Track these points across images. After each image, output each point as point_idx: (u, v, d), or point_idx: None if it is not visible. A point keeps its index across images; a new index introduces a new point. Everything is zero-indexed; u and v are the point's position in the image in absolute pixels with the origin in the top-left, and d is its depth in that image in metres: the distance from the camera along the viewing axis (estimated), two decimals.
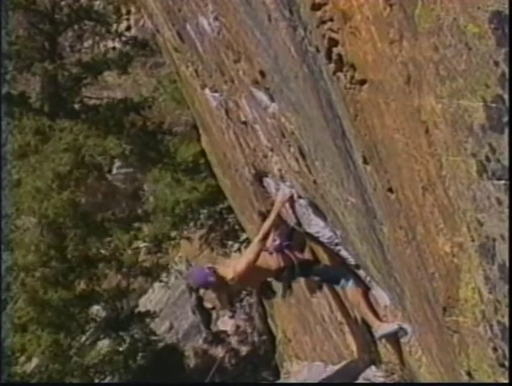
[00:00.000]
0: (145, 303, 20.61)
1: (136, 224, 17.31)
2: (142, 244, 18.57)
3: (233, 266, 6.76)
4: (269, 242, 6.90)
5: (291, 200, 6.86)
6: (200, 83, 8.36)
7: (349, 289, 6.81)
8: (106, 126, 16.49)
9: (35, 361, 16.63)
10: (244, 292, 19.46)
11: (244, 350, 19.24)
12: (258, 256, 6.67)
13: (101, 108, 17.23)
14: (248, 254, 6.79)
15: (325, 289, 7.77)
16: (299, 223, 7.15)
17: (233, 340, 19.37)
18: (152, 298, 20.84)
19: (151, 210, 17.96)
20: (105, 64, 17.25)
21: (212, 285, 6.75)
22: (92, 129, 16.31)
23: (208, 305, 20.29)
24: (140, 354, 17.57)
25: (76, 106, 17.68)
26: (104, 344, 17.43)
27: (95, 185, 20.31)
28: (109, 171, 21.61)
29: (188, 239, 17.70)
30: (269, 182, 7.54)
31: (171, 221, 17.25)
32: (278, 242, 7.00)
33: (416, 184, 3.65)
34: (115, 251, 16.85)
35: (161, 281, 17.84)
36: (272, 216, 6.80)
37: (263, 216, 7.51)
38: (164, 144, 17.53)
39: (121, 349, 17.11)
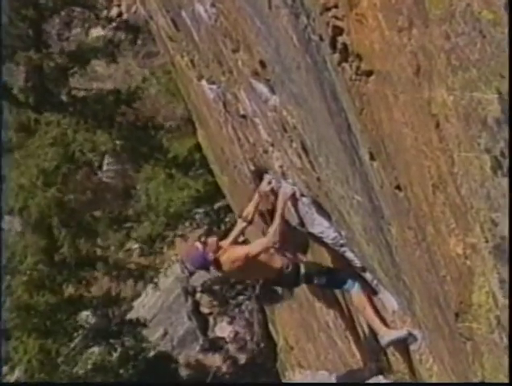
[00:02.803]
0: (137, 308, 20.60)
1: (128, 224, 17.31)
2: (134, 245, 18.57)
3: (230, 251, 6.85)
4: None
5: (294, 198, 6.91)
6: (197, 74, 8.36)
7: (355, 292, 6.82)
8: (96, 120, 16.47)
9: (19, 370, 16.63)
10: (242, 297, 19.48)
11: (243, 358, 19.24)
12: (261, 253, 6.75)
13: (90, 100, 17.20)
14: (253, 246, 6.87)
15: (329, 292, 7.78)
16: (301, 223, 7.16)
17: (232, 347, 19.37)
18: (145, 303, 20.84)
19: (144, 209, 17.95)
20: (95, 53, 17.22)
21: (208, 267, 6.84)
22: (81, 122, 16.28)
23: (204, 310, 20.29)
24: (132, 363, 17.57)
25: (64, 98, 17.65)
26: (93, 352, 17.43)
27: (84, 182, 20.29)
28: (99, 168, 21.61)
29: (183, 236, 17.68)
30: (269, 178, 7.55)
31: (164, 221, 17.24)
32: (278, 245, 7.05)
33: (426, 182, 3.66)
34: (105, 252, 16.85)
35: (154, 285, 17.82)
36: (277, 218, 6.86)
37: (263, 216, 7.52)
38: (158, 139, 17.51)
39: (111, 357, 17.11)
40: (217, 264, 6.84)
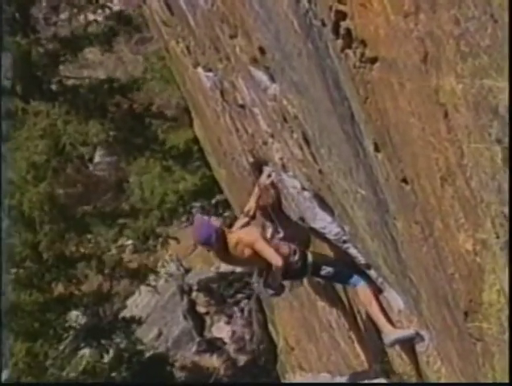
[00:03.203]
0: (130, 308, 20.62)
1: (120, 219, 17.30)
2: (127, 242, 18.56)
3: (239, 234, 6.97)
4: (269, 232, 7.02)
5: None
6: (192, 61, 8.35)
7: (361, 288, 6.83)
8: (87, 110, 16.44)
9: (4, 374, 16.63)
10: (240, 295, 19.50)
11: (241, 359, 19.27)
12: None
13: (82, 89, 17.18)
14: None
15: (332, 290, 7.79)
16: (302, 218, 7.16)
17: (230, 348, 19.39)
18: (138, 302, 20.85)
19: (138, 203, 17.93)
20: (86, 40, 17.19)
21: (214, 245, 6.90)
22: (72, 112, 16.26)
23: (201, 309, 20.32)
24: (125, 365, 17.58)
25: (53, 87, 17.62)
26: (84, 354, 17.44)
27: (75, 175, 20.30)
28: (91, 160, 21.61)
29: (176, 239, 17.67)
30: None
31: (159, 215, 17.24)
32: (282, 234, 7.09)
33: (434, 174, 3.65)
34: (97, 249, 16.84)
35: (148, 285, 17.82)
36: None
37: (264, 210, 7.53)
38: (152, 129, 17.50)
39: (103, 359, 17.12)
40: (224, 242, 6.89)
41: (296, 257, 6.95)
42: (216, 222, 7.03)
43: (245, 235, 6.98)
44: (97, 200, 19.92)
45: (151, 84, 18.85)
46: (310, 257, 6.98)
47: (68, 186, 19.32)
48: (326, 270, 6.96)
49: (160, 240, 17.41)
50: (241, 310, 19.66)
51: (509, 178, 3.21)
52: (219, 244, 6.97)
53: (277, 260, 6.83)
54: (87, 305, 17.19)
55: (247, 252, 6.94)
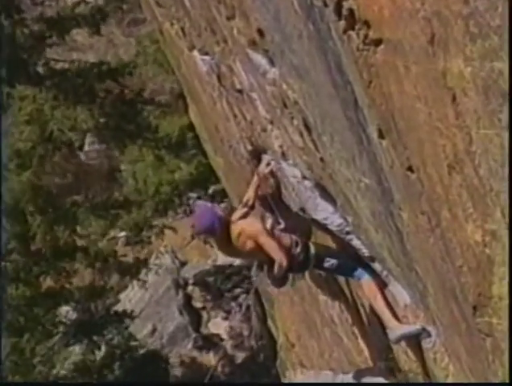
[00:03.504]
0: (123, 302, 20.64)
1: (112, 210, 17.30)
2: (119, 234, 18.59)
3: (242, 225, 7.00)
4: (269, 223, 7.03)
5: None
6: (188, 44, 8.34)
7: (366, 281, 6.85)
8: (76, 95, 16.40)
9: None
10: (238, 291, 19.52)
11: (240, 356, 19.31)
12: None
13: (70, 73, 17.11)
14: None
15: (334, 283, 7.80)
16: (303, 209, 7.17)
17: (227, 345, 19.43)
18: (132, 297, 20.88)
19: (130, 193, 17.94)
20: (74, 21, 17.12)
21: (216, 233, 6.94)
22: (60, 97, 16.22)
23: (197, 304, 20.35)
24: (117, 362, 17.62)
25: (40, 70, 17.57)
26: (74, 351, 17.47)
27: (63, 164, 20.29)
28: (80, 148, 21.59)
29: (173, 229, 17.68)
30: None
31: (153, 206, 17.25)
32: (283, 225, 7.10)
33: (441, 162, 3.66)
34: (88, 242, 16.85)
35: (139, 280, 17.83)
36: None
37: (263, 200, 7.54)
38: (145, 116, 17.48)
39: (94, 356, 17.15)
40: (227, 231, 6.91)
41: (298, 249, 6.96)
42: (219, 209, 7.04)
43: (248, 226, 6.99)
44: (87, 190, 19.93)
45: (144, 69, 18.84)
46: (312, 249, 7.00)
47: (56, 175, 19.32)
48: (329, 262, 6.97)
49: (155, 230, 17.42)
50: (239, 305, 19.69)
51: (510, 186, 3.23)
52: (222, 233, 6.97)
53: (281, 258, 6.83)
54: (78, 300, 17.20)
55: (249, 244, 6.96)
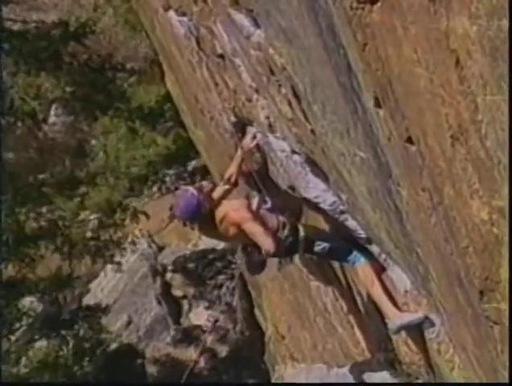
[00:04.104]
0: (94, 292, 20.65)
1: (82, 189, 17.27)
2: (90, 216, 18.54)
3: (226, 209, 7.06)
4: (255, 203, 7.07)
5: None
6: (163, 2, 8.32)
7: (362, 265, 6.88)
8: (38, 60, 16.31)
9: None
10: (223, 277, 19.55)
11: (224, 350, 19.38)
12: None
13: (30, 35, 17.01)
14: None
15: (328, 268, 7.83)
16: (292, 186, 7.19)
17: (210, 338, 19.48)
18: (104, 285, 20.89)
19: (101, 170, 17.90)
20: None
21: (200, 219, 7.02)
22: (20, 63, 16.11)
23: (177, 292, 20.39)
24: (88, 358, 17.63)
25: None
26: (40, 346, 17.48)
27: (26, 138, 20.21)
28: (44, 120, 21.50)
29: (145, 214, 17.66)
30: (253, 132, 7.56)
31: (127, 185, 17.23)
32: (269, 205, 7.13)
33: (443, 132, 3.67)
34: (54, 224, 16.82)
35: (115, 263, 17.81)
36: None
37: (248, 178, 7.56)
38: (117, 84, 17.42)
39: (62, 352, 17.16)
40: (211, 216, 6.96)
41: (286, 232, 6.97)
42: (203, 193, 7.05)
43: (232, 211, 7.00)
44: (53, 167, 19.88)
45: (114, 31, 18.75)
46: (302, 231, 7.01)
47: (18, 150, 19.25)
48: (321, 246, 6.99)
49: (129, 212, 17.39)
50: (224, 293, 19.74)
51: (510, 184, 3.25)
52: (205, 219, 7.02)
53: (268, 245, 6.85)
54: (43, 290, 17.18)
55: (232, 230, 6.99)
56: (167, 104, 15.92)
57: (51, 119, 21.95)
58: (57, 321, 17.29)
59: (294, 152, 6.91)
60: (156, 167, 17.57)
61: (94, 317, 17.80)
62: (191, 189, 7.15)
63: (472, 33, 3.25)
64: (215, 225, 7.05)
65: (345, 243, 6.96)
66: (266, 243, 6.86)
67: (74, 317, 17.55)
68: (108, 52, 18.10)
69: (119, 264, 17.77)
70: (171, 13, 8.14)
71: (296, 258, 7.82)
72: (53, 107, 20.64)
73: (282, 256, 7.25)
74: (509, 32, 3.05)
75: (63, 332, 17.20)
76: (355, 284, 7.53)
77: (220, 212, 7.03)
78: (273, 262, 7.55)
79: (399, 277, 6.52)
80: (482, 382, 4.15)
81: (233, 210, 7.03)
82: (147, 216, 17.67)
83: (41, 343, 17.57)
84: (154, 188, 18.60)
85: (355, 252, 6.91)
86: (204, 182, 7.34)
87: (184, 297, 20.27)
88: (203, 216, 6.99)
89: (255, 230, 6.91)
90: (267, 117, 7.03)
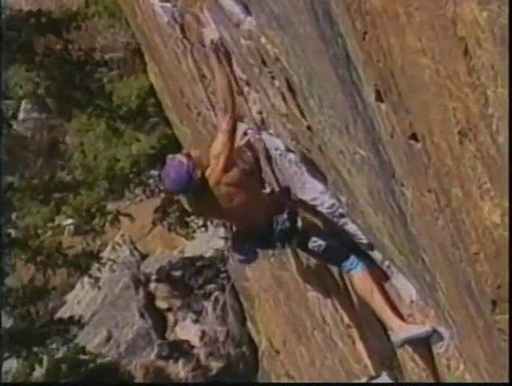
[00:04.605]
0: (70, 305, 20.67)
1: (56, 193, 17.25)
2: (65, 221, 18.53)
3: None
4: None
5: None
6: None
7: (359, 273, 6.89)
8: (10, 52, 16.32)
9: None
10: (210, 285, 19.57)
11: (214, 367, 19.39)
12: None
13: (1, 25, 17.02)
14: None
15: (326, 276, 7.84)
16: (286, 188, 7.20)
17: (199, 353, 19.49)
18: (81, 297, 20.90)
19: (78, 171, 17.89)
20: None
21: (194, 184, 6.98)
22: None
23: (161, 304, 20.39)
24: (63, 379, 17.61)
25: None
26: (10, 366, 17.45)
27: None
28: (14, 116, 21.49)
29: (129, 216, 17.66)
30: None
31: (107, 187, 17.22)
32: (268, 190, 7.18)
33: (451, 128, 3.68)
34: (27, 231, 16.80)
35: (93, 273, 17.79)
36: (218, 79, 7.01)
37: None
38: (95, 78, 17.43)
39: (35, 371, 17.12)
40: (204, 183, 6.97)
41: (284, 215, 6.99)
42: (191, 159, 7.02)
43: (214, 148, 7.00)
44: (25, 168, 19.87)
45: (93, 20, 18.72)
46: (300, 222, 7.03)
47: None
48: (316, 243, 7.00)
49: (109, 217, 17.38)
50: (213, 305, 19.75)
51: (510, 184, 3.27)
52: (199, 188, 6.96)
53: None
54: (14, 303, 17.15)
55: (230, 191, 6.96)
56: (150, 98, 15.94)
57: (22, 115, 21.95)
58: (29, 337, 17.23)
59: (289, 150, 6.92)
60: (139, 168, 17.56)
61: (69, 333, 17.75)
62: (178, 156, 7.10)
63: (481, 19, 3.26)
64: (211, 195, 6.99)
65: (344, 247, 6.97)
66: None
67: (48, 332, 17.50)
68: (85, 43, 18.10)
69: (96, 279, 17.73)
70: None
71: (290, 260, 7.83)
72: (24, 102, 20.63)
73: (276, 240, 7.18)
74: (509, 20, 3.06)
75: (35, 349, 17.15)
76: (355, 293, 7.54)
77: (211, 175, 7.00)
78: (265, 268, 7.54)
79: (404, 286, 6.53)
80: (481, 382, 4.16)
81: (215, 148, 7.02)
82: (132, 219, 17.68)
83: (10, 363, 17.53)
84: (137, 190, 18.58)
85: (352, 258, 6.91)
86: (193, 151, 7.27)
87: (170, 309, 20.28)
88: (196, 184, 6.92)
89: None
90: (259, 112, 7.04)
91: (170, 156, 7.17)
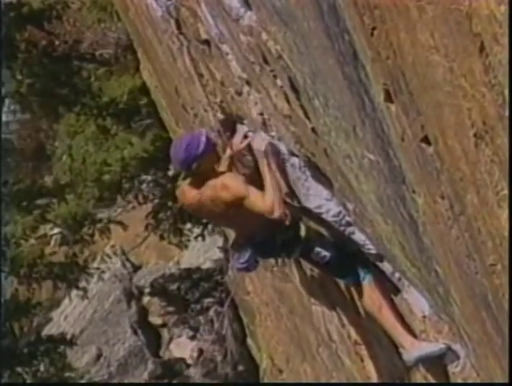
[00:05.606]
0: (57, 321, 20.64)
1: (42, 200, 17.24)
2: (52, 231, 18.53)
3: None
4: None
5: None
6: None
7: (366, 285, 6.89)
8: None
9: None
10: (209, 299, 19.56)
11: None
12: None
13: None
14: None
15: (333, 288, 7.84)
16: (291, 194, 7.21)
17: (195, 373, 19.48)
18: (69, 313, 20.88)
19: (66, 176, 17.88)
20: None
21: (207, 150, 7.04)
22: None
23: (155, 320, 20.38)
24: None
25: None
26: None
27: None
28: None
29: (122, 224, 17.66)
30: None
31: (96, 193, 17.21)
32: None
33: (465, 130, 3.70)
34: (10, 241, 16.80)
35: (79, 289, 17.74)
36: (268, 181, 6.96)
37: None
38: (83, 76, 17.43)
39: None
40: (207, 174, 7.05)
41: (287, 222, 7.00)
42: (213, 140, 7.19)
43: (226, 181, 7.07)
44: (8, 173, 19.85)
45: (81, 14, 18.74)
46: (303, 231, 7.04)
47: None
48: (320, 254, 7.01)
49: (99, 225, 17.36)
50: (210, 320, 19.74)
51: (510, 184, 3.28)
52: (203, 172, 7.02)
53: (270, 202, 6.86)
54: None
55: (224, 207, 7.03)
56: (143, 98, 15.92)
57: (4, 117, 21.94)
58: (12, 356, 17.21)
59: (292, 154, 6.92)
60: (131, 172, 17.54)
61: (56, 351, 17.71)
62: (204, 130, 7.27)
63: (498, 14, 3.27)
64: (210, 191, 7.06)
65: (350, 258, 6.97)
66: (268, 201, 6.86)
67: (33, 350, 17.47)
68: (73, 38, 18.09)
69: (85, 291, 17.70)
70: None
71: (294, 272, 7.83)
72: (6, 102, 20.61)
73: (278, 249, 7.20)
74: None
75: (19, 369, 17.13)
76: (362, 307, 7.55)
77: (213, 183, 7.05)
78: (266, 280, 7.54)
79: (416, 300, 6.53)
80: (481, 382, 4.15)
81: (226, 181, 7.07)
82: (124, 227, 17.65)
83: None
84: (129, 197, 18.56)
85: (360, 270, 6.91)
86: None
87: (164, 324, 20.26)
88: (209, 152, 6.99)
89: (252, 192, 6.91)
90: (260, 114, 7.04)
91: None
